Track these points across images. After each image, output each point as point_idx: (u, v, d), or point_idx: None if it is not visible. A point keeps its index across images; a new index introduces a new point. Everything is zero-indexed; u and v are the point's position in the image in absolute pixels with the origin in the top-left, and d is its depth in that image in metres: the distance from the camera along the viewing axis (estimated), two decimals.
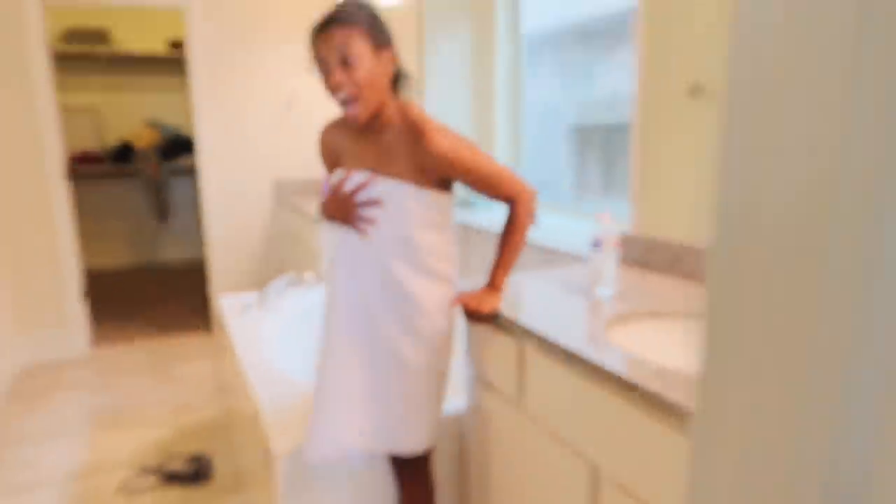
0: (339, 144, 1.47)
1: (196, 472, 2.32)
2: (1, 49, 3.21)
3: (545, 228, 2.32)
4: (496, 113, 2.94)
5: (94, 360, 3.53)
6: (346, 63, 1.27)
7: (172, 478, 2.30)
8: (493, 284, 1.46)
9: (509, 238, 1.44)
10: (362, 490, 1.68)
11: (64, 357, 3.54)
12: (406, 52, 2.78)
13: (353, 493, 1.67)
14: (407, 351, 1.41)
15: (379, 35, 1.31)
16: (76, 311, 3.58)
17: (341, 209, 1.40)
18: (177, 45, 5.06)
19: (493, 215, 2.65)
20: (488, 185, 1.39)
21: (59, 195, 3.45)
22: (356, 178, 1.39)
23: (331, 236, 1.49)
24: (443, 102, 2.96)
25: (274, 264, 3.98)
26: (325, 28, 1.28)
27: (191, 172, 5.29)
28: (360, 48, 1.27)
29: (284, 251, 3.89)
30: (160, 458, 2.44)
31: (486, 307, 1.42)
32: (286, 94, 3.82)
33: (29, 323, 3.47)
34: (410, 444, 1.47)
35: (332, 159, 1.50)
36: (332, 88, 1.30)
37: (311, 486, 1.62)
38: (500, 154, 2.94)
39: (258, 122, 3.80)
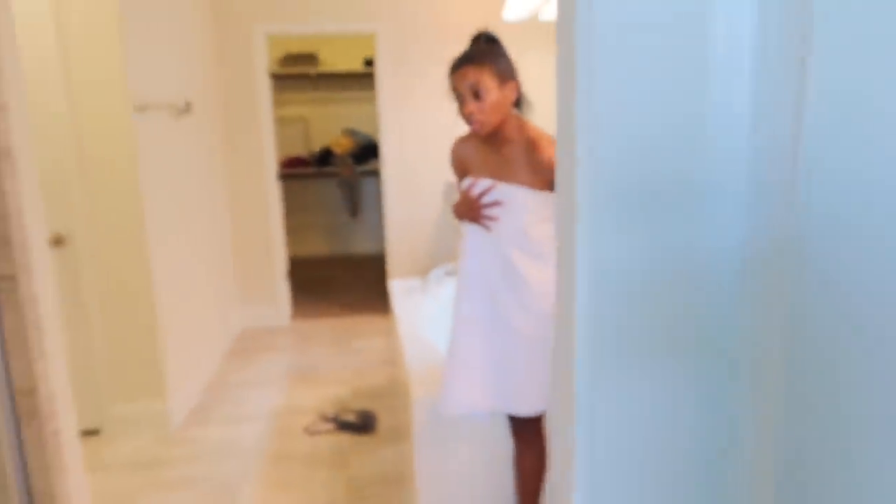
0: (468, 156, 1.81)
1: (363, 424, 2.79)
2: (235, 73, 4.00)
3: None
4: None
5: (292, 330, 4.23)
6: (476, 95, 1.60)
7: (345, 426, 2.79)
8: None
9: None
10: (485, 443, 1.98)
11: (270, 326, 4.28)
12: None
13: (477, 444, 1.98)
14: (521, 324, 1.69)
15: (504, 71, 1.63)
16: (282, 289, 4.31)
17: (470, 210, 1.73)
18: (371, 63, 5.75)
19: None
20: None
21: (272, 193, 4.19)
22: (482, 183, 1.71)
23: (463, 232, 1.82)
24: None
25: (442, 255, 4.42)
26: (460, 66, 1.64)
27: (379, 174, 5.97)
28: (487, 83, 1.60)
29: (451, 244, 4.31)
30: (336, 409, 2.95)
31: None
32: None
33: (247, 297, 4.25)
34: (526, 406, 1.74)
35: (461, 168, 1.85)
36: (465, 116, 1.65)
37: (443, 434, 1.95)
38: None
39: (434, 129, 4.26)
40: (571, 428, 0.71)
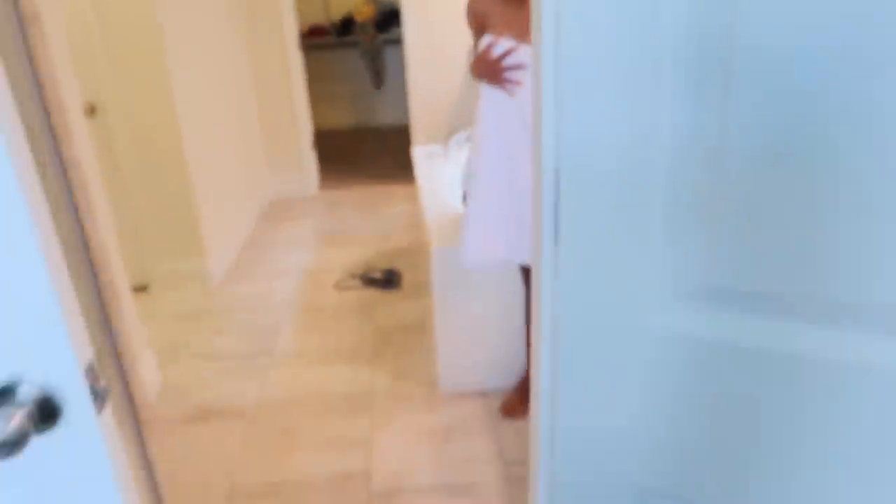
0: (488, 11, 1.74)
1: (388, 280, 2.99)
2: None
3: None
4: None
5: (321, 198, 4.39)
6: None
7: (371, 282, 3.00)
8: None
9: None
10: (499, 293, 2.14)
11: (299, 195, 4.44)
12: None
13: (491, 293, 2.14)
14: None
15: None
16: (309, 159, 4.42)
17: (490, 71, 1.70)
18: None
19: None
20: None
21: (294, 63, 4.17)
22: (504, 43, 1.67)
23: (481, 92, 1.82)
24: None
25: (463, 121, 4.43)
26: None
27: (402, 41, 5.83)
28: None
29: (472, 110, 4.30)
30: (363, 268, 3.16)
31: None
32: None
33: (276, 167, 4.38)
34: None
35: (479, 24, 1.79)
36: None
37: (460, 283, 2.12)
38: None
39: None
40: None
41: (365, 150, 5.72)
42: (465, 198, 2.12)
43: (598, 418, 0.81)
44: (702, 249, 0.65)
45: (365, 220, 3.90)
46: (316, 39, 5.91)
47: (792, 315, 0.64)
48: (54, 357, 0.48)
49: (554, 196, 0.70)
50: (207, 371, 2.45)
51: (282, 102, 4.25)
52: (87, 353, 0.52)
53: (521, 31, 1.64)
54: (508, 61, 1.66)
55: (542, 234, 0.74)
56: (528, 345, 2.09)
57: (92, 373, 0.51)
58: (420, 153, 3.23)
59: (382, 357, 2.47)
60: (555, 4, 0.65)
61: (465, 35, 4.26)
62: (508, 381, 2.23)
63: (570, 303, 0.74)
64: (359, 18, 5.98)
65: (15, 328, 0.47)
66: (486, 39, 1.74)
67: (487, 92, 1.77)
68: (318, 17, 6.09)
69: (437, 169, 3.05)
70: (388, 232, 3.67)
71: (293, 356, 2.52)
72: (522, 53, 1.63)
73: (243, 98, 3.93)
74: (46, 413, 0.48)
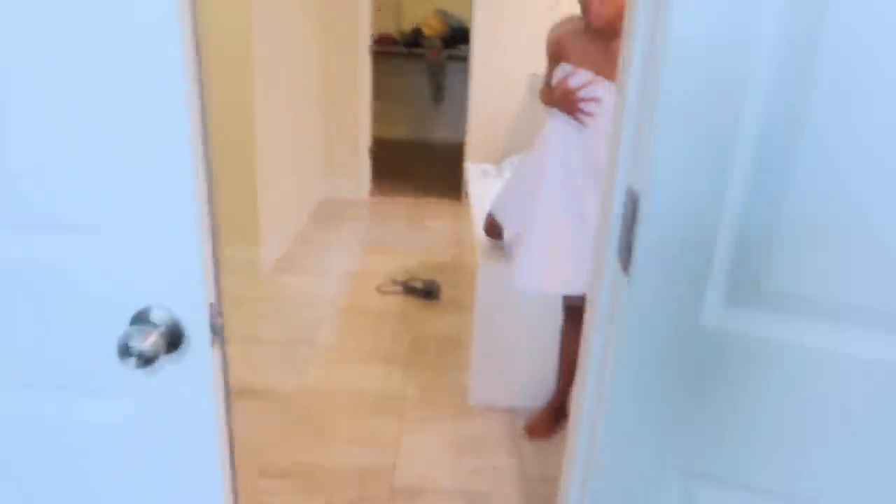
0: (567, 42, 1.80)
1: (429, 291, 3.05)
2: None
3: None
4: None
5: (371, 204, 4.50)
6: None
7: (412, 290, 3.07)
8: None
9: None
10: (539, 317, 2.18)
11: (350, 198, 4.56)
12: None
13: (530, 315, 2.19)
14: (592, 211, 1.80)
15: None
16: (364, 165, 4.55)
17: (565, 100, 1.75)
18: None
19: None
20: None
21: (364, 68, 4.32)
22: (583, 75, 1.72)
23: (550, 119, 1.88)
24: None
25: (518, 145, 4.51)
26: None
27: (466, 60, 5.97)
28: None
29: (528, 135, 4.39)
30: (406, 276, 3.23)
31: None
32: None
33: (331, 168, 4.52)
34: (583, 287, 1.90)
35: (556, 54, 1.85)
36: (583, 2, 1.63)
37: (502, 304, 2.17)
38: None
39: (525, 20, 4.23)
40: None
41: (417, 163, 5.85)
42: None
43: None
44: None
45: (411, 231, 4.00)
46: (383, 47, 6.09)
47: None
48: (187, 290, 0.55)
49: (627, 225, 0.75)
50: (250, 352, 2.54)
51: (347, 105, 4.39)
52: (212, 292, 0.59)
53: (598, 66, 1.71)
54: (584, 93, 1.71)
55: (605, 262, 0.80)
56: (562, 373, 2.14)
57: (212, 309, 0.58)
58: (473, 170, 3.31)
59: (416, 364, 2.53)
60: (643, 59, 0.71)
61: (529, 59, 4.37)
62: (535, 402, 2.27)
63: (632, 333, 0.77)
64: (427, 32, 6.15)
65: (160, 261, 0.55)
66: (565, 69, 1.80)
67: (556, 121, 1.83)
68: (389, 26, 6.27)
69: (489, 187, 3.12)
70: (431, 245, 3.75)
71: (332, 350, 2.60)
72: (599, 88, 1.70)
73: (311, 97, 4.08)
74: (174, 338, 0.55)
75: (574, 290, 1.89)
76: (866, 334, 0.71)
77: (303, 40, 3.76)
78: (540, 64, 4.36)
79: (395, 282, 3.15)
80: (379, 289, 3.10)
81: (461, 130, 6.33)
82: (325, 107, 4.38)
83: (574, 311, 2.01)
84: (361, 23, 4.21)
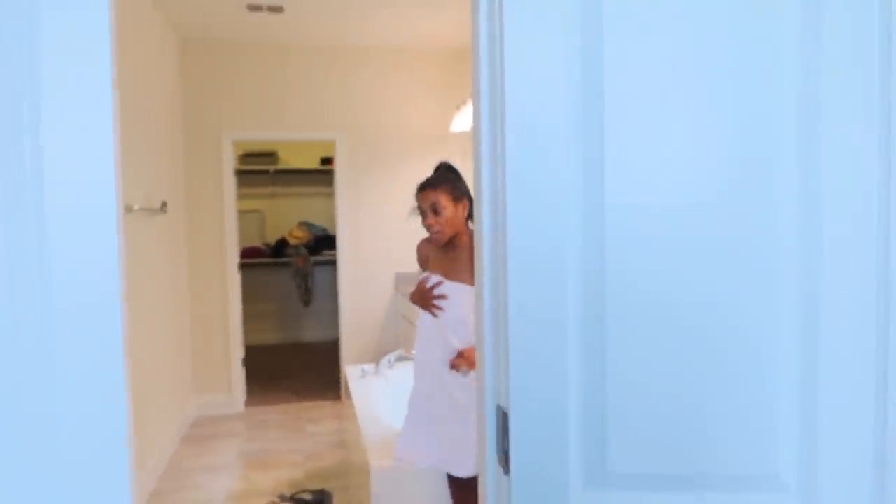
0: (428, 253, 2.24)
1: (319, 502, 2.97)
2: (203, 174, 4.35)
3: None
4: None
5: (247, 416, 4.38)
6: (435, 212, 2.04)
7: None
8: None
9: None
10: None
11: (225, 412, 4.42)
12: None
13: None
14: (462, 398, 2.04)
15: (459, 192, 2.09)
16: (238, 376, 4.49)
17: (422, 298, 2.14)
18: (327, 161, 6.20)
19: None
20: None
21: (233, 282, 4.45)
22: (434, 278, 2.12)
23: (419, 317, 2.20)
24: None
25: (390, 341, 4.71)
26: (423, 189, 2.09)
27: (333, 263, 6.30)
28: (444, 202, 2.05)
29: (399, 330, 4.62)
30: (293, 490, 3.13)
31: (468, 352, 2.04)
32: (411, 203, 4.67)
33: (203, 384, 4.41)
34: (463, 469, 2.06)
35: (423, 262, 2.27)
36: (427, 226, 2.08)
37: (399, 501, 2.21)
38: None
39: (386, 224, 4.67)
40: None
41: (292, 365, 5.83)
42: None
43: None
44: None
45: (292, 438, 3.92)
46: (250, 259, 6.29)
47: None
48: None
49: (501, 435, 0.93)
50: None
51: (216, 320, 4.43)
52: None
53: (446, 270, 2.12)
54: (436, 291, 2.10)
55: (487, 466, 0.97)
56: None
57: None
58: (352, 372, 3.42)
59: None
60: (490, 255, 0.95)
61: (391, 262, 4.73)
62: None
63: None
64: (293, 241, 6.48)
65: None
66: (422, 274, 2.21)
67: (421, 317, 2.18)
68: (254, 240, 6.54)
69: (370, 386, 3.23)
70: (316, 451, 3.69)
71: None
72: (446, 287, 2.08)
73: (179, 316, 4.09)
74: None
75: (447, 465, 2.09)
76: (694, 498, 0.91)
77: (173, 267, 3.87)
78: (403, 263, 4.75)
79: (283, 498, 3.04)
80: None
81: (332, 328, 6.50)
82: (196, 325, 4.38)
83: (458, 491, 2.14)
84: (229, 244, 4.42)
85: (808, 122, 0.87)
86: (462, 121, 4.16)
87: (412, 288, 4.33)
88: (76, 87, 0.76)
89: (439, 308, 2.09)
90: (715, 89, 0.88)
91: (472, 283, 2.05)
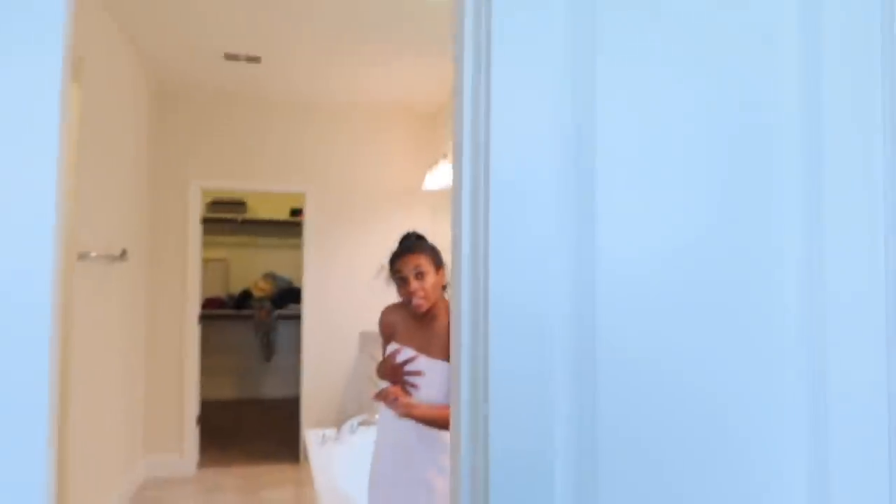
0: (396, 323, 2.06)
1: None
2: (169, 222, 4.21)
3: None
4: None
5: (199, 479, 4.11)
6: (419, 276, 1.91)
7: None
8: (413, 405, 1.87)
9: (444, 412, 1.83)
10: None
11: (176, 475, 4.15)
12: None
13: None
14: (439, 484, 1.89)
15: (437, 259, 1.98)
16: (192, 436, 4.24)
17: (393, 374, 1.97)
18: (296, 212, 6.11)
19: None
20: None
21: (192, 335, 4.25)
22: (406, 352, 1.96)
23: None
24: None
25: (354, 402, 4.53)
26: (406, 254, 1.94)
27: (297, 318, 6.12)
28: (427, 266, 1.92)
29: (362, 391, 4.45)
30: None
31: (403, 400, 1.86)
32: (379, 260, 4.58)
33: (154, 444, 4.15)
34: None
35: (388, 333, 2.10)
36: (409, 293, 1.92)
37: None
38: None
39: (354, 281, 4.56)
40: None
41: (249, 424, 5.56)
42: None
43: None
44: None
45: None
46: (212, 310, 6.08)
47: None
48: None
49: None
50: None
51: (171, 375, 4.21)
52: None
53: (421, 344, 1.96)
54: (409, 367, 1.93)
55: None
56: None
57: None
58: (312, 437, 3.24)
59: None
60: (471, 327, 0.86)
61: (357, 319, 4.60)
62: None
63: None
64: (257, 294, 6.29)
65: None
66: (392, 347, 2.03)
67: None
68: (217, 290, 6.34)
69: (331, 453, 3.06)
70: None
71: None
72: (421, 364, 1.92)
73: (133, 370, 3.87)
74: None
75: None
76: None
77: (130, 317, 3.68)
78: (369, 322, 4.62)
79: None
80: None
81: (293, 385, 6.26)
82: (149, 378, 4.15)
83: None
84: (190, 294, 4.25)
85: (810, 190, 0.83)
86: (434, 179, 4.14)
87: (378, 349, 4.13)
88: (17, 126, 0.68)
89: (413, 385, 1.93)
90: (712, 146, 0.83)
91: (447, 358, 1.94)
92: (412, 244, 1.96)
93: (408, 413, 1.85)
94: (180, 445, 4.20)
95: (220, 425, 5.41)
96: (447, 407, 1.87)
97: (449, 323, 1.93)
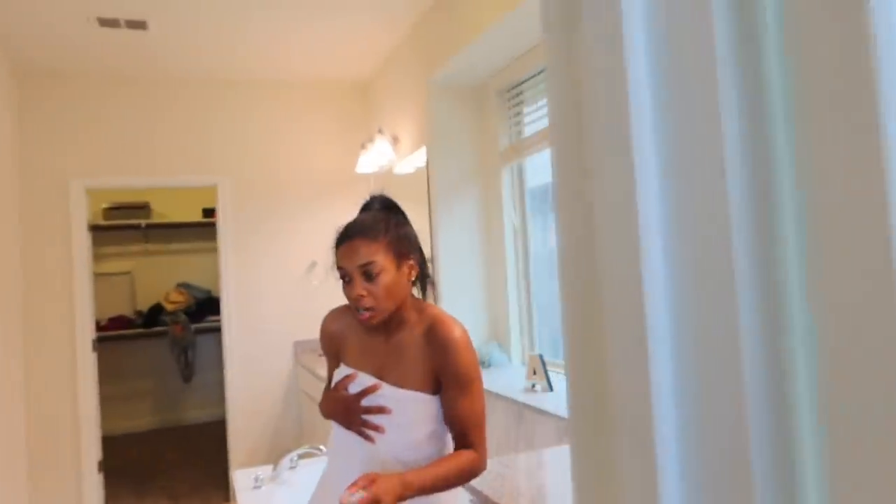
0: (344, 335, 1.41)
1: None
2: (51, 230, 3.46)
3: (560, 393, 2.28)
4: (507, 266, 3.02)
5: None
6: (367, 276, 1.25)
7: None
8: (406, 479, 1.21)
9: (449, 465, 1.27)
10: None
11: None
12: (419, 214, 2.93)
13: None
14: None
15: (403, 246, 1.30)
16: (94, 486, 3.51)
17: (345, 411, 1.33)
18: (210, 212, 5.38)
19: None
20: (464, 417, 1.28)
21: (86, 363, 3.52)
22: (363, 380, 1.33)
23: (332, 431, 1.42)
24: (453, 262, 3.07)
25: (292, 426, 3.93)
26: (350, 238, 1.27)
27: (218, 331, 5.40)
28: (381, 261, 1.25)
29: (302, 411, 3.85)
30: None
31: (379, 488, 1.16)
32: (311, 257, 3.97)
33: (45, 499, 3.40)
34: None
35: (332, 350, 1.44)
36: (354, 299, 1.28)
37: None
38: (511, 309, 2.99)
39: (282, 284, 3.94)
40: None
41: (169, 457, 4.84)
42: None
43: None
44: None
45: None
46: (116, 332, 5.28)
47: None
48: None
49: None
50: None
51: (63, 411, 3.47)
52: None
53: (380, 367, 1.33)
54: (367, 401, 1.31)
55: None
56: None
57: None
58: (242, 479, 2.64)
59: None
60: None
61: (291, 326, 3.98)
62: None
63: None
64: (169, 307, 5.53)
65: None
66: (342, 372, 1.38)
67: (339, 437, 1.38)
68: (122, 307, 5.54)
69: (268, 497, 2.48)
70: None
71: None
72: (386, 396, 1.30)
73: (7, 415, 3.12)
74: None
75: None
76: None
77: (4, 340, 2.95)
78: (304, 329, 4.02)
79: None
80: None
81: (218, 405, 5.54)
82: (33, 422, 3.40)
83: None
84: (80, 316, 3.51)
85: None
86: (369, 161, 3.58)
87: (316, 359, 3.42)
88: None
89: (375, 428, 1.30)
90: None
91: (425, 385, 1.29)
92: (363, 224, 1.29)
93: (399, 500, 1.18)
94: (78, 499, 3.47)
95: (134, 462, 4.67)
96: (445, 458, 1.29)
97: (425, 333, 1.30)
